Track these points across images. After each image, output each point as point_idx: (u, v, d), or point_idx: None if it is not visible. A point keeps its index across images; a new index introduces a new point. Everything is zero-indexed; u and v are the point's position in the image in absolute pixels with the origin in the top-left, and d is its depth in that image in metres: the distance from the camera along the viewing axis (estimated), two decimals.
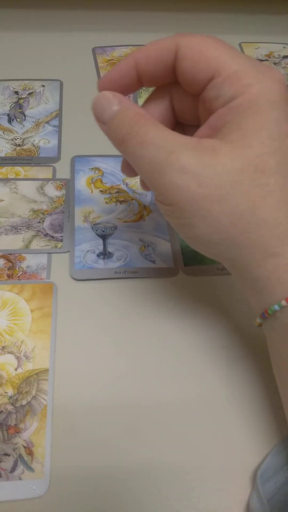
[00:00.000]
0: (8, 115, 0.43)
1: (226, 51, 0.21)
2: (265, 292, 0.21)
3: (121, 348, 0.29)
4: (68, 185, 0.38)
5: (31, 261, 0.33)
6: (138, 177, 0.34)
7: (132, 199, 0.37)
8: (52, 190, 0.37)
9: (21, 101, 0.44)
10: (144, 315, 0.31)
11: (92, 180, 0.38)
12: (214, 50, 0.21)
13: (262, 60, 0.51)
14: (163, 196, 0.21)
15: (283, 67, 0.51)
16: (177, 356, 0.29)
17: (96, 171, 0.39)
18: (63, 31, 0.52)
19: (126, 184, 0.38)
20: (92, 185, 0.38)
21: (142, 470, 0.25)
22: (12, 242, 0.33)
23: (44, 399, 0.27)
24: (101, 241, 0.34)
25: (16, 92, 0.45)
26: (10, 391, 0.27)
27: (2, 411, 0.26)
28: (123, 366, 0.29)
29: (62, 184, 0.37)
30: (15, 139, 0.41)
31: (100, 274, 0.32)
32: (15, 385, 0.27)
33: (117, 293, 0.32)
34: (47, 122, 0.42)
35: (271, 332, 0.22)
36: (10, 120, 0.42)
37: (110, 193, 0.37)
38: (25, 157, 0.39)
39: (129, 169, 0.27)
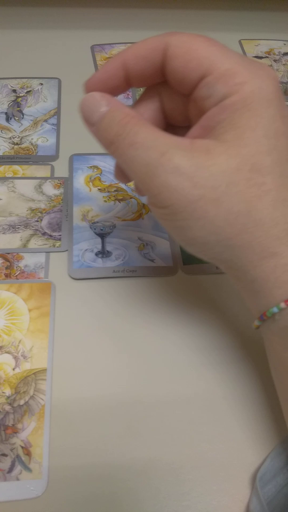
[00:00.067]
0: (6, 113, 0.42)
1: (217, 49, 0.20)
2: (263, 294, 0.21)
3: (119, 347, 0.29)
4: (66, 183, 0.37)
5: (29, 260, 0.33)
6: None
7: (130, 198, 0.37)
8: (50, 189, 0.37)
9: (19, 99, 0.44)
10: (143, 314, 0.31)
11: (90, 178, 0.38)
12: (205, 48, 0.20)
13: (262, 57, 0.51)
14: (156, 198, 0.20)
15: (283, 64, 0.50)
16: (176, 356, 0.29)
17: (95, 169, 0.38)
18: (61, 29, 0.52)
19: None
20: (90, 183, 0.37)
21: (141, 470, 0.25)
22: (10, 241, 0.33)
23: (42, 399, 0.27)
24: (99, 240, 0.34)
25: (14, 91, 0.44)
26: (8, 391, 0.27)
27: None
28: (121, 365, 0.28)
29: (60, 183, 0.37)
30: (13, 138, 0.40)
31: (98, 273, 0.32)
32: (13, 385, 0.27)
33: (115, 292, 0.32)
34: (45, 121, 0.42)
35: (269, 335, 0.22)
36: (8, 119, 0.42)
37: (108, 192, 0.37)
38: (23, 156, 0.39)
39: (122, 174, 0.26)
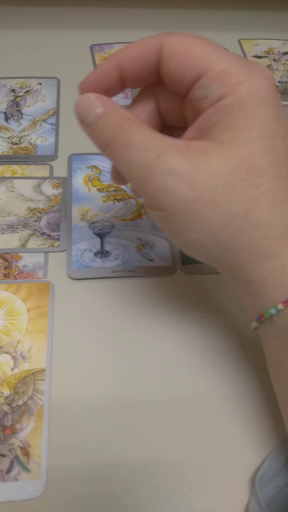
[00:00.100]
0: (5, 113, 0.42)
1: (212, 50, 0.20)
2: (261, 295, 0.20)
3: (118, 347, 0.29)
4: (65, 183, 0.37)
5: (27, 260, 0.32)
6: None
7: (129, 197, 0.37)
8: (49, 189, 0.37)
9: (18, 99, 0.44)
10: (142, 314, 0.31)
11: (89, 178, 0.38)
12: (200, 49, 0.20)
13: (261, 57, 0.51)
14: (152, 200, 0.20)
15: (283, 64, 0.50)
16: (175, 356, 0.29)
17: (94, 169, 0.38)
18: (60, 29, 0.52)
19: None
20: (89, 183, 0.37)
21: (140, 471, 0.25)
22: (8, 241, 0.33)
23: (40, 399, 0.26)
24: (98, 239, 0.34)
25: (13, 90, 0.44)
26: (6, 392, 0.27)
27: None
28: (120, 365, 0.28)
29: (59, 183, 0.37)
30: (12, 138, 0.40)
31: (97, 273, 0.32)
32: (12, 385, 0.27)
33: (114, 292, 0.32)
34: (44, 120, 0.42)
35: (267, 336, 0.22)
36: (6, 118, 0.42)
37: (107, 191, 0.37)
38: (22, 156, 0.39)
39: (119, 176, 0.26)
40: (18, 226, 0.34)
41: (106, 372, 0.28)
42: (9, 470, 0.24)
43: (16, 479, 0.24)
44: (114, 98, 0.42)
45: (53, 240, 0.34)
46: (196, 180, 0.19)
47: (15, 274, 0.32)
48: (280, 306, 0.20)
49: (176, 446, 0.26)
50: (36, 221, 0.35)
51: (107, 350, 0.29)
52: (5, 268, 0.32)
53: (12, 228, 0.34)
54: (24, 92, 0.44)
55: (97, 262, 0.33)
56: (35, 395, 0.27)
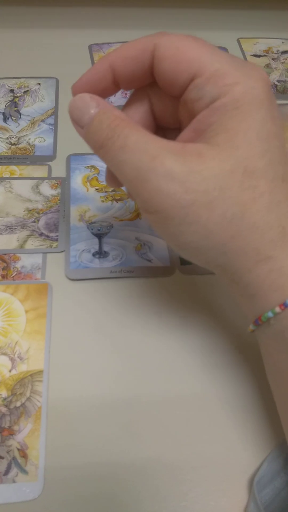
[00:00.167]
0: (3, 113, 0.42)
1: (207, 50, 0.20)
2: (258, 298, 0.20)
3: (117, 348, 0.29)
4: (63, 183, 0.37)
5: (25, 261, 0.32)
6: None
7: (128, 198, 0.37)
8: (47, 189, 0.37)
9: (17, 99, 0.44)
10: (140, 314, 0.31)
11: (88, 178, 0.38)
12: (194, 49, 0.20)
13: (260, 56, 0.51)
14: (147, 203, 0.20)
15: (282, 63, 0.50)
16: (173, 357, 0.29)
17: (92, 169, 0.38)
18: (59, 28, 0.51)
19: None
20: (88, 183, 0.37)
21: (139, 471, 0.25)
22: (6, 242, 0.33)
23: (38, 400, 0.26)
24: (96, 240, 0.34)
25: (12, 90, 0.44)
26: (4, 393, 0.26)
27: None
28: (118, 366, 0.28)
29: (57, 183, 0.37)
30: (10, 138, 0.40)
31: (95, 273, 0.32)
32: (9, 386, 0.27)
33: (113, 292, 0.32)
34: (43, 121, 0.42)
35: (264, 339, 0.22)
36: (5, 119, 0.42)
37: (106, 192, 0.37)
38: (20, 156, 0.39)
39: (114, 179, 0.25)
40: (16, 227, 0.34)
41: (104, 373, 0.28)
42: (6, 472, 0.24)
43: (13, 481, 0.24)
44: (112, 97, 0.41)
45: (51, 241, 0.33)
46: (191, 183, 0.19)
47: (13, 275, 0.32)
48: (278, 309, 0.19)
49: (175, 447, 0.26)
50: (34, 221, 0.35)
51: (106, 351, 0.29)
52: (3, 269, 0.32)
53: (10, 228, 0.34)
54: (23, 92, 0.44)
55: (95, 262, 0.33)
56: (33, 397, 0.27)
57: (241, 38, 0.52)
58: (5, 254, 0.33)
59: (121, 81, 0.22)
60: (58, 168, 0.38)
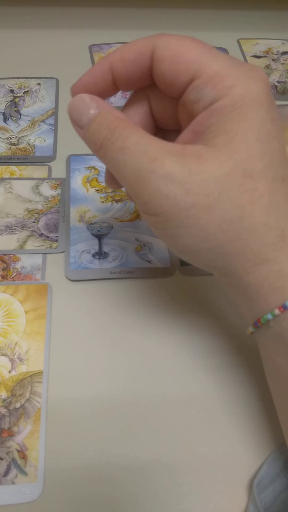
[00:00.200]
0: (3, 113, 0.42)
1: (206, 52, 0.20)
2: (257, 300, 0.20)
3: (116, 349, 0.29)
4: (63, 184, 0.37)
5: (25, 262, 0.32)
6: None
7: (128, 198, 0.37)
8: (47, 190, 0.37)
9: (17, 99, 0.43)
10: (140, 315, 0.31)
11: (88, 179, 0.38)
12: (193, 51, 0.20)
13: (260, 57, 0.51)
14: (147, 205, 0.20)
15: (282, 63, 0.50)
16: (173, 358, 0.29)
17: (92, 170, 0.38)
18: (59, 29, 0.51)
19: None
20: (87, 184, 0.37)
21: (138, 473, 0.25)
22: (6, 242, 0.33)
23: (38, 401, 0.26)
24: (96, 241, 0.34)
25: (12, 91, 0.44)
26: (4, 394, 0.26)
27: None
28: (118, 367, 0.28)
29: (57, 184, 0.37)
30: (10, 138, 0.40)
31: (95, 274, 0.32)
32: (9, 387, 0.27)
33: (112, 293, 0.31)
34: (43, 121, 0.42)
35: (264, 341, 0.22)
36: (5, 119, 0.42)
37: (106, 192, 0.37)
38: (20, 156, 0.39)
39: (113, 180, 0.25)
40: (16, 227, 0.34)
41: (104, 374, 0.28)
42: (6, 473, 0.24)
43: (13, 483, 0.24)
44: (112, 98, 0.41)
45: (51, 242, 0.33)
46: (192, 185, 0.19)
47: (13, 275, 0.32)
48: (277, 311, 0.19)
49: (174, 448, 0.26)
50: (34, 222, 0.34)
51: (105, 352, 0.29)
52: (3, 269, 0.32)
53: (10, 229, 0.34)
54: (23, 93, 0.44)
55: (95, 263, 0.33)
56: (33, 398, 0.26)
57: (241, 39, 0.52)
58: (5, 254, 0.33)
59: (121, 82, 0.22)
60: (58, 169, 0.38)
